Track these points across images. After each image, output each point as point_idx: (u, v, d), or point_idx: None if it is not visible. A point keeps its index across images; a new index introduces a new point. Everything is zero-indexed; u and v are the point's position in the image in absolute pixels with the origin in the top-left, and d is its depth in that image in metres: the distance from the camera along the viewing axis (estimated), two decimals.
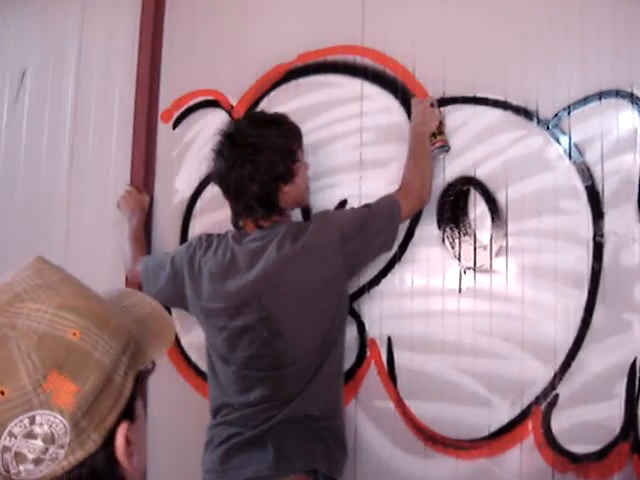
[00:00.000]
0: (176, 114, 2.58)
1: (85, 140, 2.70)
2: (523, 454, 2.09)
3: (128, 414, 0.73)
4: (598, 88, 2.09)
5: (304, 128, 2.25)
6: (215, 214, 2.45)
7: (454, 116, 2.22)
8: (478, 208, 2.17)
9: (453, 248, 2.19)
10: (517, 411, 2.10)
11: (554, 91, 2.13)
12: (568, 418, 2.06)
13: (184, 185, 2.54)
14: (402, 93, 2.26)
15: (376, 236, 1.97)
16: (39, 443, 0.64)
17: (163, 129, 2.61)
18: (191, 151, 2.54)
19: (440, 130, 2.11)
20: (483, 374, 2.13)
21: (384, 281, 2.25)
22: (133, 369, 0.74)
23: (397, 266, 2.24)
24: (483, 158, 2.16)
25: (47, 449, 0.65)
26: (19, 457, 0.64)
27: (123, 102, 2.64)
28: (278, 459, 1.82)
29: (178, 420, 2.52)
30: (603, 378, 2.03)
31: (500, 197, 2.15)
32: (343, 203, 2.30)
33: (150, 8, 2.59)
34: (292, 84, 2.40)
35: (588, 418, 2.04)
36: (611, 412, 2.02)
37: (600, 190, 2.07)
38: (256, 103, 2.44)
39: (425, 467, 2.14)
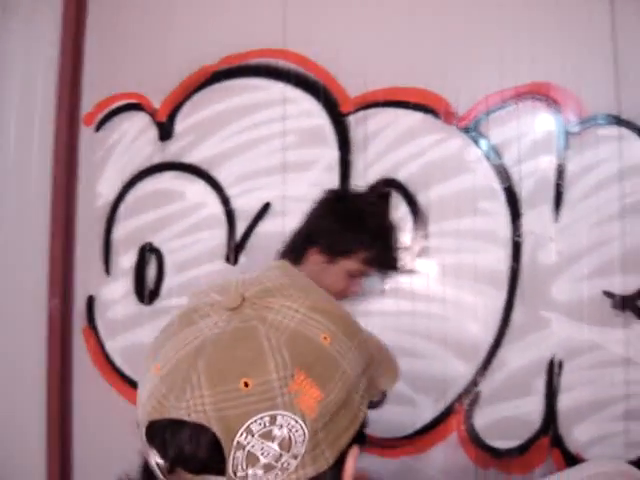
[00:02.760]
0: (99, 117, 2.54)
1: (6, 144, 2.63)
2: (447, 451, 2.13)
3: (360, 439, 0.67)
4: (515, 91, 2.14)
5: (228, 131, 2.26)
6: (139, 218, 2.43)
7: (376, 119, 2.24)
8: (399, 210, 2.19)
9: None
10: (440, 409, 2.14)
11: (473, 94, 2.17)
12: (490, 414, 2.11)
13: (107, 189, 2.50)
14: (324, 96, 2.27)
15: None
16: (275, 447, 0.58)
17: (86, 132, 2.56)
18: (114, 154, 2.50)
19: None
20: (407, 373, 2.12)
21: None
22: (368, 393, 0.69)
23: None
24: (404, 160, 2.19)
25: (281, 456, 0.58)
26: (251, 458, 0.58)
27: (45, 105, 2.57)
28: None
29: (103, 424, 2.48)
30: (523, 375, 2.08)
31: (421, 199, 2.18)
32: (267, 206, 2.30)
33: (72, 9, 2.54)
34: (215, 87, 2.39)
35: (509, 414, 2.09)
36: (531, 407, 2.08)
37: (518, 191, 2.12)
38: (179, 106, 2.42)
39: None
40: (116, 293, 2.45)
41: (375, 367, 0.72)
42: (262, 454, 0.58)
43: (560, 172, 2.11)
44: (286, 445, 0.59)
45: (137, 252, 2.43)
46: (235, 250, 2.32)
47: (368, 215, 1.76)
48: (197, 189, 2.37)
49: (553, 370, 2.07)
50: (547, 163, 2.11)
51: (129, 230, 2.44)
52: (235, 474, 0.58)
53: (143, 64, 2.49)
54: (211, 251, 2.33)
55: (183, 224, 2.38)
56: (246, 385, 0.58)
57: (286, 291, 0.66)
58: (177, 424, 0.59)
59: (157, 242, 2.41)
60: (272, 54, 2.33)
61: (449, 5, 2.22)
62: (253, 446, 0.58)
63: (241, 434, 0.57)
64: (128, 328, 2.42)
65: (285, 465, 0.59)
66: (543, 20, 2.15)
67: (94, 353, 2.48)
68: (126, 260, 2.45)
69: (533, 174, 2.12)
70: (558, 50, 2.13)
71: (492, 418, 2.11)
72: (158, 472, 0.60)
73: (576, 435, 2.06)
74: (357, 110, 2.25)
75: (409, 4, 2.24)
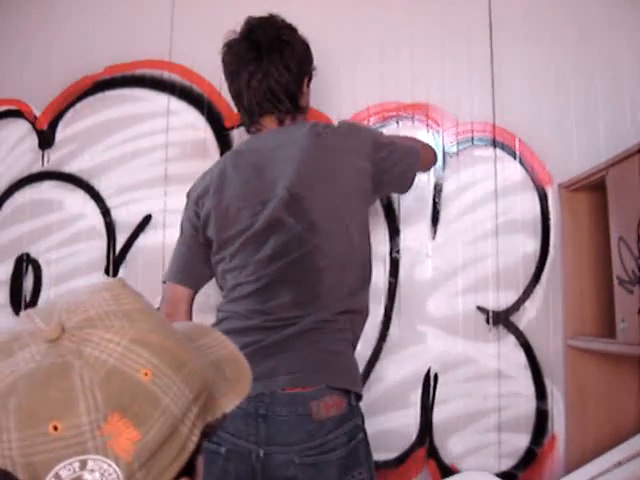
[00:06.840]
0: None
1: None
2: None
3: (189, 470, 0.63)
4: (396, 110, 2.20)
5: (110, 141, 2.24)
6: (16, 228, 2.36)
7: None
8: None
9: None
10: None
11: (355, 112, 2.23)
12: (368, 427, 2.13)
13: None
14: (208, 109, 2.28)
15: (398, 161, 1.75)
16: None
17: None
18: None
19: None
20: None
21: None
22: (202, 420, 0.65)
23: None
24: None
25: None
26: None
27: None
28: (312, 370, 1.55)
29: None
30: (400, 388, 2.13)
31: None
32: (148, 218, 2.28)
33: None
34: (98, 96, 2.35)
35: (387, 426, 2.13)
36: (408, 420, 2.13)
37: (396, 208, 2.17)
38: (61, 114, 2.36)
39: None
40: None
41: (212, 391, 0.68)
42: None
43: (438, 191, 2.18)
44: None
45: (14, 263, 2.36)
46: (115, 262, 2.28)
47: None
48: (77, 199, 2.32)
49: (429, 383, 2.13)
50: (425, 181, 2.18)
51: (6, 240, 2.36)
52: None
53: (23, 69, 2.42)
54: (90, 263, 2.29)
55: (62, 235, 2.32)
56: (55, 429, 0.54)
57: (109, 321, 0.62)
58: None
59: (35, 253, 2.34)
60: (157, 65, 2.32)
61: (332, 22, 2.28)
62: None
63: None
64: None
65: None
66: (424, 38, 2.23)
67: None
68: (2, 271, 2.37)
69: (412, 192, 2.16)
70: (438, 72, 2.21)
71: (370, 431, 2.13)
72: None
73: (451, 446, 2.12)
74: (241, 124, 2.25)
75: (292, 20, 2.27)
